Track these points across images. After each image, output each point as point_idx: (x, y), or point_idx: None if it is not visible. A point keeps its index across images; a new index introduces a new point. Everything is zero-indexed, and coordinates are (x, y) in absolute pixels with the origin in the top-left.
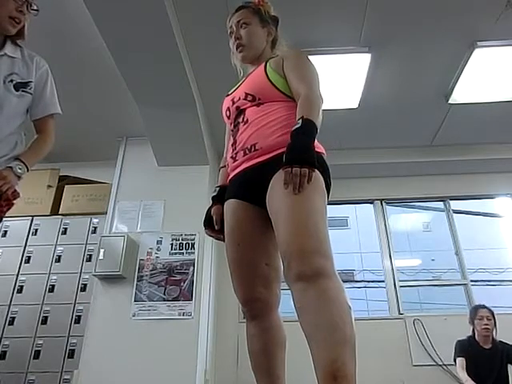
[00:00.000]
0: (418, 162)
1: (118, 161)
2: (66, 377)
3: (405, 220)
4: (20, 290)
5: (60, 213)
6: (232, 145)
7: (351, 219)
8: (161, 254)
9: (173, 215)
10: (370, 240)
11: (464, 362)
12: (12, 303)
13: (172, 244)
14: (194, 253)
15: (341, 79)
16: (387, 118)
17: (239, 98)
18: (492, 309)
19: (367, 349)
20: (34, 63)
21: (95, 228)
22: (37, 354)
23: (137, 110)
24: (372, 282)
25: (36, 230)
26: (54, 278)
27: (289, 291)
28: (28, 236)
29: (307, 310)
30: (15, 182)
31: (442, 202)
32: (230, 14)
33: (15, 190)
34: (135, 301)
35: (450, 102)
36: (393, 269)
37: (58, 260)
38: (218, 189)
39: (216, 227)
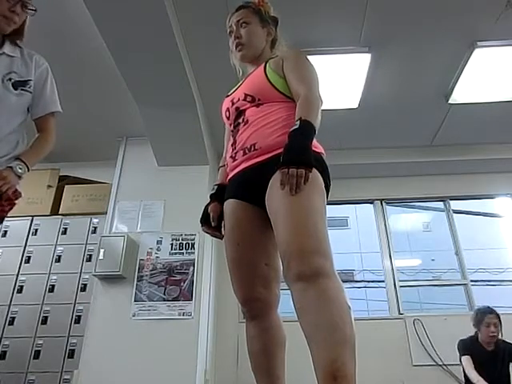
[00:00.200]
0: (418, 162)
1: (117, 161)
2: (66, 377)
3: (405, 220)
4: (20, 290)
5: (60, 213)
6: (232, 145)
7: (351, 219)
8: (161, 254)
9: (173, 215)
10: (369, 240)
11: (471, 360)
12: (12, 303)
13: (172, 244)
14: (193, 253)
15: (341, 79)
16: (387, 118)
17: (239, 99)
18: (497, 310)
19: (367, 349)
20: (34, 62)
21: (95, 228)
22: (37, 354)
23: (137, 110)
24: (372, 282)
25: (36, 230)
26: (54, 278)
27: (288, 291)
28: (28, 236)
29: (307, 310)
30: (15, 181)
31: (442, 202)
32: (230, 14)
33: (16, 190)
34: (135, 301)
35: (450, 102)
36: (393, 269)
37: (58, 260)
38: (216, 187)
39: (213, 224)
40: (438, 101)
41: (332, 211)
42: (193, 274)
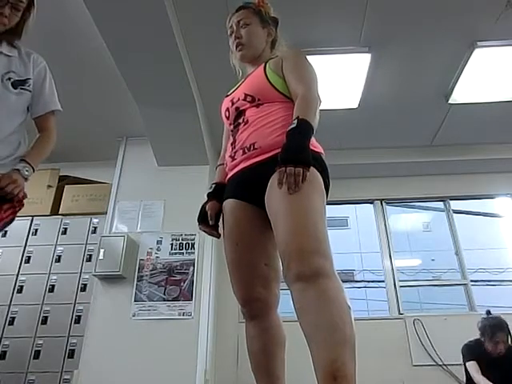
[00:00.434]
0: (418, 162)
1: (118, 161)
2: (66, 377)
3: (405, 220)
4: (20, 290)
5: (60, 213)
6: (231, 144)
7: (351, 219)
8: (161, 254)
9: (173, 215)
10: (370, 240)
11: (477, 365)
12: (12, 303)
13: (172, 244)
14: (194, 253)
15: (341, 79)
16: (387, 118)
17: (238, 99)
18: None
19: (367, 349)
20: (32, 60)
21: (95, 228)
22: (37, 354)
23: (137, 110)
24: (372, 282)
25: (36, 230)
26: (54, 277)
27: (288, 291)
28: (28, 236)
29: (307, 310)
30: (23, 183)
31: (442, 202)
32: (231, 14)
33: (24, 192)
34: (135, 301)
35: (450, 102)
36: (393, 269)
37: (58, 260)
38: (213, 185)
39: (210, 223)
40: (438, 101)
41: (332, 211)
42: (193, 274)
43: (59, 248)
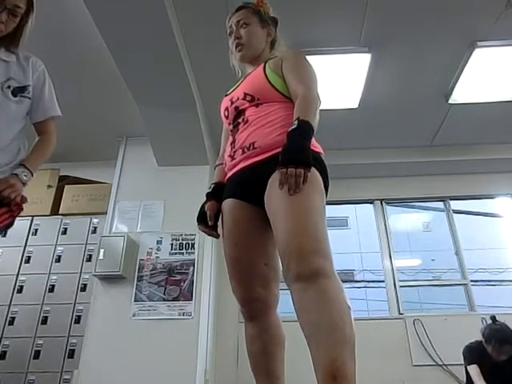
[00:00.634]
0: (418, 162)
1: (118, 161)
2: (66, 377)
3: (405, 220)
4: (20, 290)
5: (60, 213)
6: (231, 144)
7: (351, 219)
8: (161, 254)
9: (173, 215)
10: (370, 240)
11: (478, 369)
12: (12, 303)
13: (172, 244)
14: (194, 253)
15: (341, 79)
16: (387, 118)
17: (238, 98)
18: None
19: (367, 349)
20: (30, 65)
21: (95, 228)
22: (37, 354)
23: (137, 110)
24: (372, 282)
25: (36, 230)
26: (54, 277)
27: (288, 291)
28: (28, 236)
29: (307, 310)
30: (21, 188)
31: (442, 202)
32: (230, 14)
33: (23, 196)
34: (135, 301)
35: (450, 102)
36: (393, 269)
37: (58, 260)
38: (213, 185)
39: (210, 223)
40: (438, 101)
41: (332, 211)
42: (193, 274)
43: (59, 248)
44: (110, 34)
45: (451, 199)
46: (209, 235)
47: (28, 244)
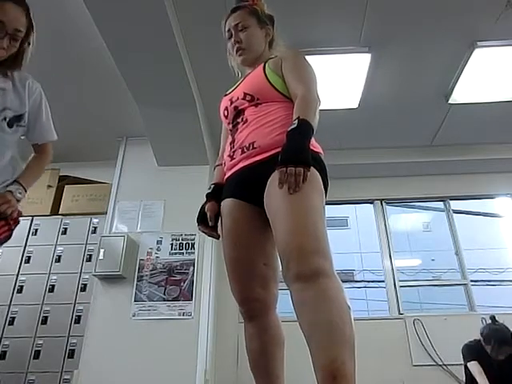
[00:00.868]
0: (418, 162)
1: (118, 161)
2: (66, 377)
3: (405, 220)
4: (20, 290)
5: (60, 213)
6: (230, 143)
7: (351, 219)
8: (161, 254)
9: (173, 215)
10: (370, 240)
11: (479, 365)
12: (12, 303)
13: (172, 244)
14: (193, 253)
15: (341, 79)
16: (387, 118)
17: (237, 98)
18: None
19: (367, 349)
20: (26, 89)
21: (95, 228)
22: (37, 354)
23: (137, 110)
24: (372, 282)
25: (36, 230)
26: (54, 277)
27: (288, 291)
28: (28, 236)
29: (306, 310)
30: (16, 204)
31: (442, 202)
32: (226, 16)
33: (19, 210)
34: (135, 301)
35: (450, 102)
36: (393, 269)
37: (58, 260)
38: (212, 186)
39: (210, 223)
40: (438, 101)
41: (332, 211)
42: (193, 274)
43: (59, 248)
44: (110, 34)
45: (451, 199)
46: (209, 236)
47: (28, 244)
